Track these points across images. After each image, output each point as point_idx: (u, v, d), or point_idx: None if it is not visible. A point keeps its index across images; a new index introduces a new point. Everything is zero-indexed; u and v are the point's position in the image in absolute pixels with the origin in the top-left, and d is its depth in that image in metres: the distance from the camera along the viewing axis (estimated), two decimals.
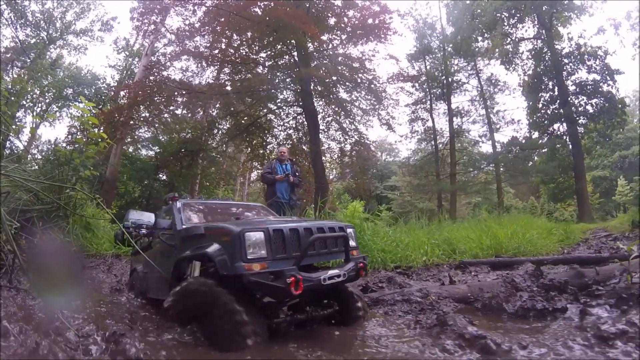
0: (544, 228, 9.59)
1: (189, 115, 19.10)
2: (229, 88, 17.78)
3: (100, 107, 22.46)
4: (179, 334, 3.12)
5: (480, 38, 23.78)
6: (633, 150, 35.59)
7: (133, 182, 21.49)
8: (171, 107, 18.08)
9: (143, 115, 18.21)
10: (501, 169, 24.30)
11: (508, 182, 26.44)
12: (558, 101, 22.42)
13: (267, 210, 5.27)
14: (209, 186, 22.11)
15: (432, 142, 25.15)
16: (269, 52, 17.99)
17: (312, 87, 17.13)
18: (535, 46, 23.51)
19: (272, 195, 7.18)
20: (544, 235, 8.46)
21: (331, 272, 3.06)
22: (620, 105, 21.48)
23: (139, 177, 21.12)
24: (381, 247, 6.54)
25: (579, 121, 22.28)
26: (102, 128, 15.23)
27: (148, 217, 12.59)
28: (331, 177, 22.60)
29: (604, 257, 5.38)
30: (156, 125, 19.28)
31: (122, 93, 19.53)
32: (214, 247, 2.97)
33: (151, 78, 17.18)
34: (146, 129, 20.43)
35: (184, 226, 3.83)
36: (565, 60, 22.31)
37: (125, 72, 26.64)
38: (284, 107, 19.25)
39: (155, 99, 17.03)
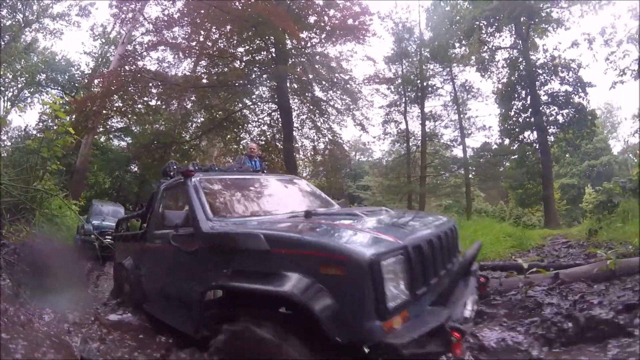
0: (498, 233, 9.78)
1: (164, 107, 18.85)
2: (205, 81, 17.66)
3: (73, 94, 22.00)
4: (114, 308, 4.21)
5: (457, 44, 24.18)
6: (602, 160, 36.88)
7: (104, 173, 21.15)
8: (145, 98, 17.81)
9: (116, 105, 17.97)
10: (472, 173, 24.83)
11: (478, 186, 27.03)
12: (530, 110, 22.96)
13: (306, 184, 4.15)
14: None
15: (405, 144, 25.51)
16: (247, 47, 17.92)
17: (288, 85, 17.18)
18: (511, 55, 23.96)
19: None
20: (494, 241, 8.66)
21: (469, 301, 2.09)
22: (590, 117, 22.11)
23: (110, 168, 20.78)
24: None
25: (550, 130, 22.82)
26: (74, 116, 14.98)
27: (114, 213, 11.59)
28: (304, 174, 22.69)
29: (541, 265, 5.60)
30: (129, 115, 19.00)
31: (96, 81, 19.14)
32: (302, 286, 1.70)
33: (126, 67, 16.93)
34: (119, 119, 20.13)
35: (212, 225, 2.49)
36: (540, 71, 22.77)
37: (100, 59, 26.00)
38: (259, 103, 19.26)
39: (130, 89, 16.80)
